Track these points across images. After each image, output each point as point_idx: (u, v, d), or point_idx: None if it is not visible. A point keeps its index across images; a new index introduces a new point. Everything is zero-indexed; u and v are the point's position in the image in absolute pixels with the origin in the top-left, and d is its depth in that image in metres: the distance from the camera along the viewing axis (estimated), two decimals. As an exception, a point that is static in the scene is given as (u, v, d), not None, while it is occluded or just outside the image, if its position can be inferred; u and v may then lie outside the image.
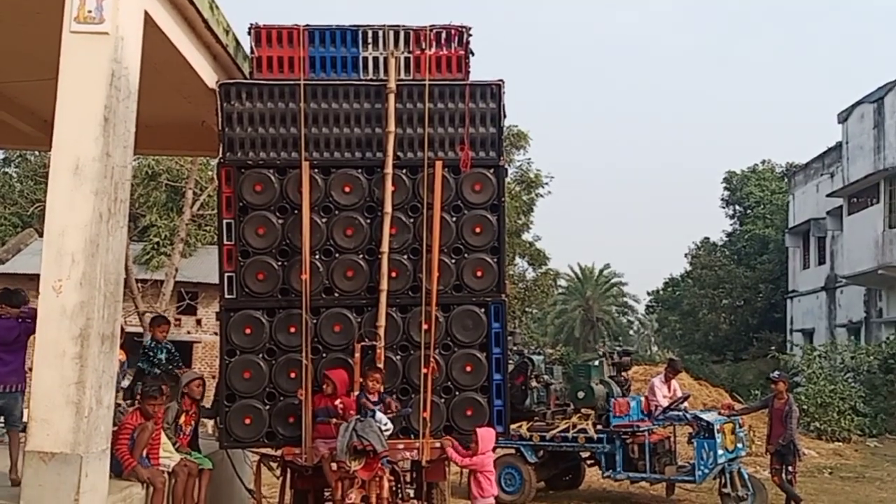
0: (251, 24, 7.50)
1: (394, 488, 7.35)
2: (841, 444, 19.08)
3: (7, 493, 5.78)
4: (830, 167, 31.33)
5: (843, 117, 28.79)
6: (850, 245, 27.96)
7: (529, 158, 34.98)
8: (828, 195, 29.89)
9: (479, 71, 7.71)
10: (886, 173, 25.70)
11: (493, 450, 8.68)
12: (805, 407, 19.24)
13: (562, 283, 52.16)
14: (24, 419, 6.29)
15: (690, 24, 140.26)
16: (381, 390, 6.99)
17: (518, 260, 34.25)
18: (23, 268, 26.50)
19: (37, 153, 34.15)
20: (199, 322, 34.93)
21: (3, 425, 6.66)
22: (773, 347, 29.37)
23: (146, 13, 6.08)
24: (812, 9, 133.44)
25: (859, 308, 29.16)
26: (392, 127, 7.39)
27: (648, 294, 51.70)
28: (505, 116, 7.62)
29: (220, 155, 7.43)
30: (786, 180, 39.83)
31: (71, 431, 5.38)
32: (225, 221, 7.40)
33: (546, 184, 34.15)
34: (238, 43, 7.70)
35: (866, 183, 26.80)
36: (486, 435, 7.36)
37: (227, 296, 7.37)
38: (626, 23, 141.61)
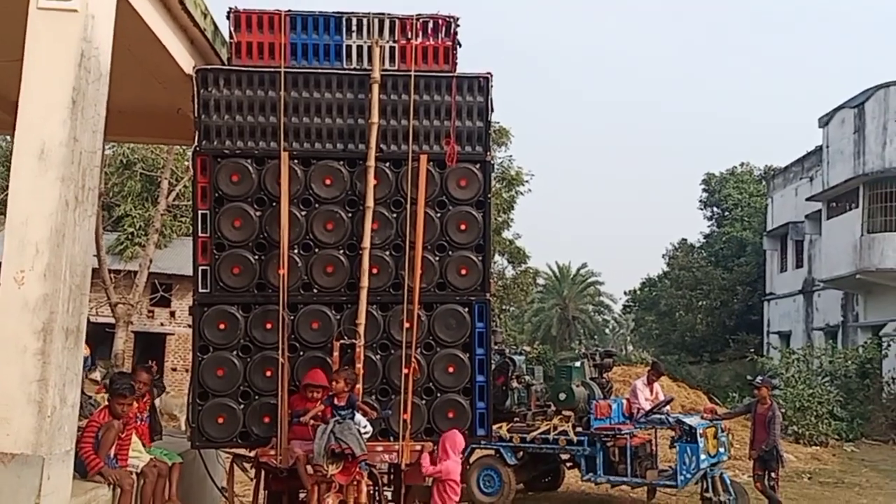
0: (230, 8, 7.17)
1: (372, 492, 7.11)
2: (818, 448, 19.12)
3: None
4: (810, 171, 31.42)
5: (825, 121, 28.85)
6: (829, 249, 28.04)
7: (511, 155, 34.90)
8: (807, 199, 30.01)
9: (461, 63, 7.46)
10: (866, 178, 25.78)
11: (470, 452, 8.46)
12: (783, 410, 19.22)
13: (539, 281, 52.06)
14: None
15: (671, 28, 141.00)
16: (349, 391, 6.58)
17: (498, 258, 34.12)
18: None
19: (7, 139, 33.56)
20: (172, 314, 34.48)
21: None
22: (750, 349, 29.42)
23: (120, -9, 5.78)
24: (793, 15, 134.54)
25: (836, 312, 29.26)
26: (375, 118, 7.13)
27: (625, 294, 51.86)
28: (492, 110, 7.38)
29: (196, 143, 7.12)
30: (764, 183, 39.96)
31: (33, 431, 5.06)
32: (200, 212, 7.08)
33: (527, 181, 34.11)
34: (216, 27, 7.39)
35: (846, 187, 26.88)
36: (453, 440, 7.01)
37: (200, 289, 7.05)
38: (605, 29, 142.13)
